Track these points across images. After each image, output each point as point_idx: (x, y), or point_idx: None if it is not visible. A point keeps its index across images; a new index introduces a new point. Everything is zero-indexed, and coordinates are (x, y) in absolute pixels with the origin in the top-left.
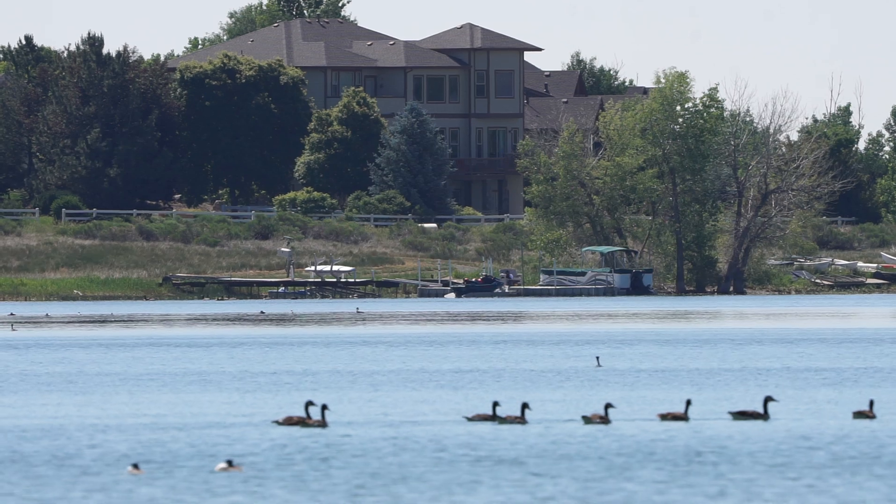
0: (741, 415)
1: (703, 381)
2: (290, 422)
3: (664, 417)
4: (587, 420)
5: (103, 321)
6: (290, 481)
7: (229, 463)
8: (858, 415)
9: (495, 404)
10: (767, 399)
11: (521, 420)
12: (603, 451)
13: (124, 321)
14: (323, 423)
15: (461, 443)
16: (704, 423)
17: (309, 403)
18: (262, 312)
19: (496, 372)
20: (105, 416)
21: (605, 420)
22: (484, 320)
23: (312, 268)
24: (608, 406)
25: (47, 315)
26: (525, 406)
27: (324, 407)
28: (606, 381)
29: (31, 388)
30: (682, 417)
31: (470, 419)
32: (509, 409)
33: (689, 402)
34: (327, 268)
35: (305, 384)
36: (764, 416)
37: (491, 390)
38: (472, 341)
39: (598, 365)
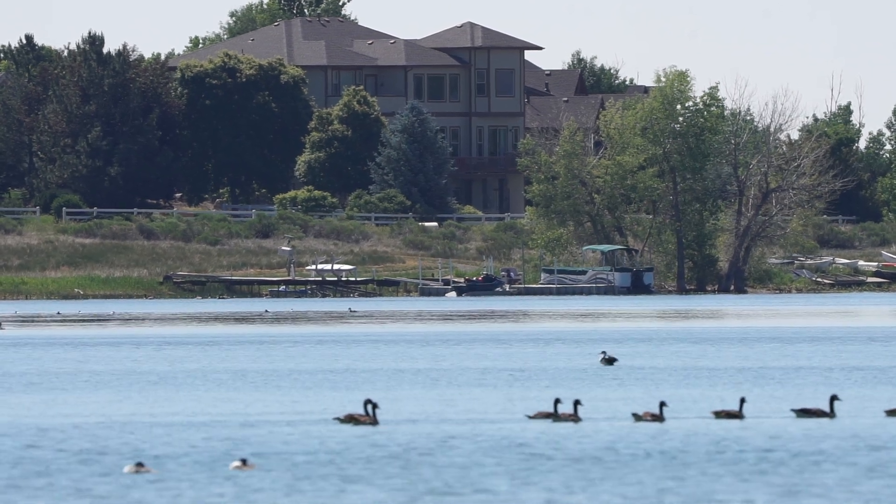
0: (805, 412)
1: (737, 379)
2: (350, 419)
3: (718, 415)
4: (638, 418)
5: (124, 320)
6: (364, 478)
7: (243, 461)
8: (892, 413)
9: (557, 401)
10: (833, 398)
11: (575, 418)
12: (672, 449)
13: (152, 320)
14: (374, 421)
15: (528, 441)
16: (765, 420)
17: (368, 402)
18: (266, 311)
19: (523, 370)
20: (170, 414)
21: (658, 418)
22: (490, 319)
23: (313, 267)
24: (662, 404)
25: (59, 313)
26: (577, 403)
27: (374, 405)
28: (631, 380)
29: (81, 387)
30: (737, 415)
31: (532, 417)
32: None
33: (743, 400)
34: (328, 267)
35: (356, 382)
36: (830, 414)
37: (523, 388)
38: (482, 341)
39: (605, 361)
